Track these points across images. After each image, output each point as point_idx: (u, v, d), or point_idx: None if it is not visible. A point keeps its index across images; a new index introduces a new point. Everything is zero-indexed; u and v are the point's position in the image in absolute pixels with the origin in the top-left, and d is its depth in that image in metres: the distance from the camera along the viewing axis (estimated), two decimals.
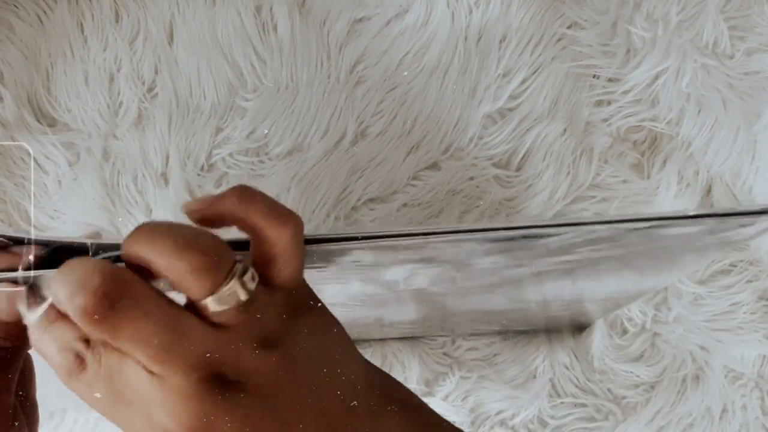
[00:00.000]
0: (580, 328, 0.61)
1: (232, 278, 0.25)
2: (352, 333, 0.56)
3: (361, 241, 0.29)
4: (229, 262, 0.25)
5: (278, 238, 0.26)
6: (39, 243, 0.27)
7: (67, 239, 0.27)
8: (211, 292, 0.25)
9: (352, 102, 0.62)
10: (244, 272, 0.26)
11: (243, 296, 0.26)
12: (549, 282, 0.43)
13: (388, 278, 0.37)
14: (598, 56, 0.63)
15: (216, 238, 0.26)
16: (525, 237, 0.30)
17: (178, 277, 0.25)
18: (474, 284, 0.42)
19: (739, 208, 0.30)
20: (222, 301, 0.25)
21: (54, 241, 0.27)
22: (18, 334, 0.28)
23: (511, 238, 0.30)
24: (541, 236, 0.30)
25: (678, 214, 0.30)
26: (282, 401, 0.27)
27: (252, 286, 0.26)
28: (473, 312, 0.55)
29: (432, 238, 0.29)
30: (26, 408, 0.32)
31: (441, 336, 0.61)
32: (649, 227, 0.30)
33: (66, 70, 0.62)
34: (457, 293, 0.46)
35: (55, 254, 0.27)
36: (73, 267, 0.24)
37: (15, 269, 0.27)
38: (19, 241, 0.27)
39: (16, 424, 0.31)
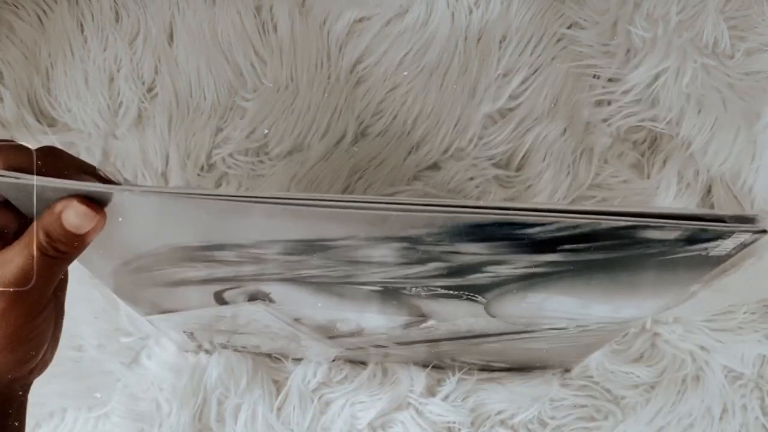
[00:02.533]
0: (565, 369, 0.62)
1: None
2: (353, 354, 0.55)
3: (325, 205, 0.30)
4: None
5: None
6: None
7: None
8: None
9: (352, 102, 0.62)
10: None
11: None
12: (529, 299, 0.43)
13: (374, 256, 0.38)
14: (598, 56, 0.63)
15: None
16: (505, 224, 0.31)
17: None
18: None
19: (719, 212, 0.30)
20: None
21: None
22: (79, 244, 0.34)
23: (489, 224, 0.31)
24: (520, 225, 0.31)
25: (658, 212, 0.30)
26: None
27: None
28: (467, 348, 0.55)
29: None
30: (60, 309, 0.38)
31: (441, 367, 0.61)
32: (629, 227, 0.30)
33: (66, 70, 0.62)
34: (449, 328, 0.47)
35: None
36: None
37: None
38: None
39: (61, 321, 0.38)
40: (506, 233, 0.32)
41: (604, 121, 0.63)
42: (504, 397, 0.60)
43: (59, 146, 0.63)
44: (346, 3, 0.63)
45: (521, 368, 0.61)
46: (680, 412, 0.60)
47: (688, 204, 0.62)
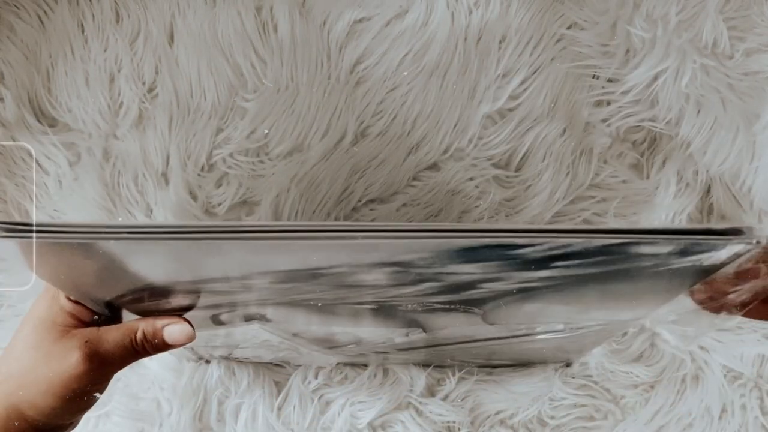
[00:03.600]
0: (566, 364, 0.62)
1: None
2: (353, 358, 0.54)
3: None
4: None
5: None
6: None
7: None
8: None
9: (352, 102, 0.62)
10: None
11: None
12: (528, 307, 0.43)
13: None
14: (597, 56, 0.63)
15: None
16: (497, 246, 0.30)
17: None
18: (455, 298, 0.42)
19: (711, 225, 0.29)
20: None
21: None
22: (162, 350, 0.41)
23: (480, 247, 0.30)
24: (512, 246, 0.30)
25: (649, 228, 0.30)
26: None
27: None
28: (460, 346, 0.55)
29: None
30: None
31: (441, 366, 0.61)
32: (621, 243, 0.30)
33: (67, 70, 0.62)
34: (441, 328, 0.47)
35: None
36: None
37: None
38: None
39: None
40: (498, 254, 0.32)
41: (604, 121, 0.63)
42: (503, 396, 0.60)
43: (60, 147, 0.63)
44: (346, 3, 0.63)
45: (521, 364, 0.61)
46: (679, 411, 0.60)
47: (688, 204, 0.62)
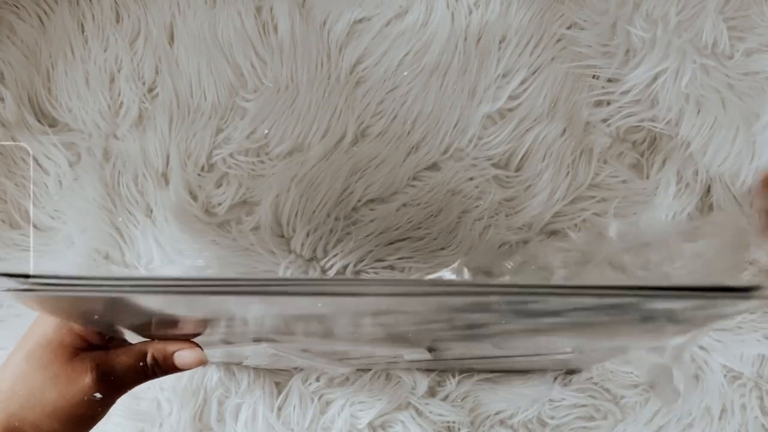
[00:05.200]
0: (570, 371, 0.62)
1: None
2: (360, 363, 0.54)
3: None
4: None
5: None
6: None
7: None
8: None
9: (352, 102, 0.62)
10: None
11: None
12: (536, 338, 0.42)
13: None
14: (597, 56, 0.63)
15: None
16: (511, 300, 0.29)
17: None
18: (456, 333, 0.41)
19: (726, 284, 0.28)
20: None
21: None
22: (170, 373, 0.41)
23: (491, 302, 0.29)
24: (525, 302, 0.29)
25: (663, 285, 0.28)
26: None
27: None
28: (467, 357, 0.55)
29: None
30: None
31: (444, 371, 0.61)
32: (632, 302, 0.29)
33: (67, 70, 0.62)
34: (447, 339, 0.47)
35: None
36: None
37: None
38: None
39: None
40: (506, 307, 0.31)
41: (604, 121, 0.63)
42: (503, 396, 0.60)
43: (60, 147, 0.63)
44: (346, 3, 0.63)
45: (525, 371, 0.61)
46: (679, 411, 0.60)
47: (688, 204, 0.62)
